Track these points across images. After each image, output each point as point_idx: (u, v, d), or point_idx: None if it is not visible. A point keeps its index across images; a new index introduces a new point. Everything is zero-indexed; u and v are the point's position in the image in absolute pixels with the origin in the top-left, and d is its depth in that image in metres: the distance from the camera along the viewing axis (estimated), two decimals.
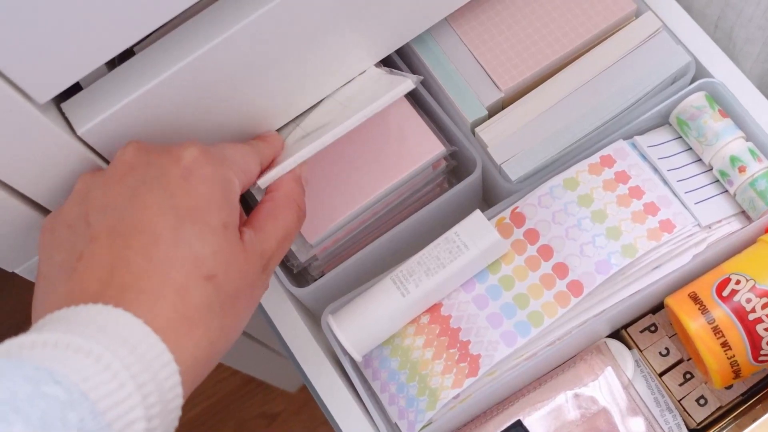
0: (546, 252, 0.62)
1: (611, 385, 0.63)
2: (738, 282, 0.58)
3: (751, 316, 0.56)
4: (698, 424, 0.62)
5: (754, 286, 0.57)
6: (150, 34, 0.52)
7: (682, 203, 0.63)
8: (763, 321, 0.56)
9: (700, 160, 0.65)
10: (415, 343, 0.62)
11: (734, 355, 0.57)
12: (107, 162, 0.54)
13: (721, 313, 0.57)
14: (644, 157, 0.65)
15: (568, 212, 0.62)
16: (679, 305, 0.59)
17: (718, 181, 0.64)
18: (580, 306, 0.60)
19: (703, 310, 0.58)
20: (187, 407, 1.45)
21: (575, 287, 0.60)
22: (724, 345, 0.57)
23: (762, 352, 0.57)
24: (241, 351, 1.16)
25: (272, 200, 0.52)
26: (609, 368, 0.63)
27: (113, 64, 0.54)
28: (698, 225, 0.62)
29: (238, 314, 0.46)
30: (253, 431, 1.52)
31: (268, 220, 0.50)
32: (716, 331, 0.57)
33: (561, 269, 0.61)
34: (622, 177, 0.63)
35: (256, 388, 1.54)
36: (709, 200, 0.64)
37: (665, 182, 0.64)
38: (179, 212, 0.44)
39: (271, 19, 0.52)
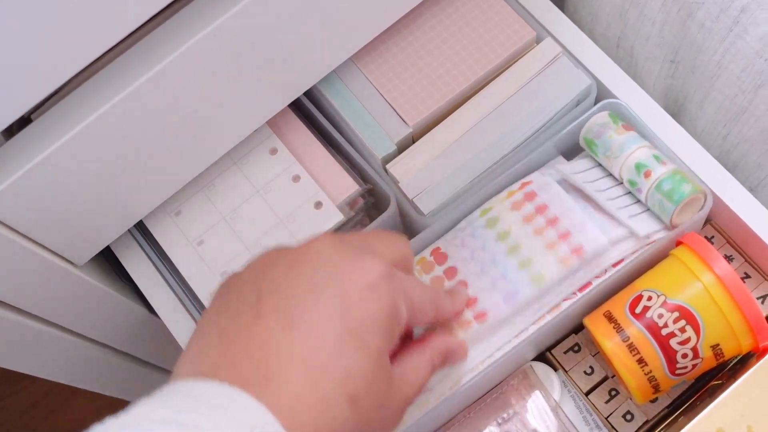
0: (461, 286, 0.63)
1: (540, 408, 0.63)
2: (650, 298, 0.59)
3: (664, 331, 0.57)
4: None
5: (665, 302, 0.58)
6: (45, 101, 0.52)
7: (616, 219, 0.63)
8: (676, 335, 0.57)
9: (621, 183, 0.66)
10: None
11: (651, 371, 0.58)
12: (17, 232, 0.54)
13: (635, 330, 0.58)
14: (565, 182, 0.66)
15: (486, 248, 0.62)
16: (595, 325, 0.60)
17: (639, 201, 0.65)
18: (499, 332, 0.61)
19: (618, 328, 0.59)
20: None
21: (480, 317, 0.60)
22: (640, 361, 0.58)
23: (678, 365, 0.58)
24: None
25: (423, 354, 0.52)
26: (536, 392, 0.64)
27: (11, 133, 0.54)
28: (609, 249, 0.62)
29: None
30: None
31: (415, 371, 0.50)
32: (631, 348, 0.58)
33: (471, 301, 0.61)
34: (542, 209, 0.63)
35: None
36: (641, 215, 0.65)
37: (590, 204, 0.64)
38: (347, 324, 0.43)
39: (170, 75, 0.53)
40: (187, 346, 0.45)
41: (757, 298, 0.65)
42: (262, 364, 0.41)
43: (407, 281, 0.49)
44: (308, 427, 0.40)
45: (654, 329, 0.58)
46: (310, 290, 0.44)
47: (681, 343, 0.57)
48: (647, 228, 0.63)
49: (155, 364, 0.91)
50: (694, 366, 0.58)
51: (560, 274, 0.60)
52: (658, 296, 0.59)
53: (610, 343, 0.59)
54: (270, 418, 0.38)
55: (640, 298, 0.59)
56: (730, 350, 0.58)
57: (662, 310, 0.58)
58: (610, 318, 0.60)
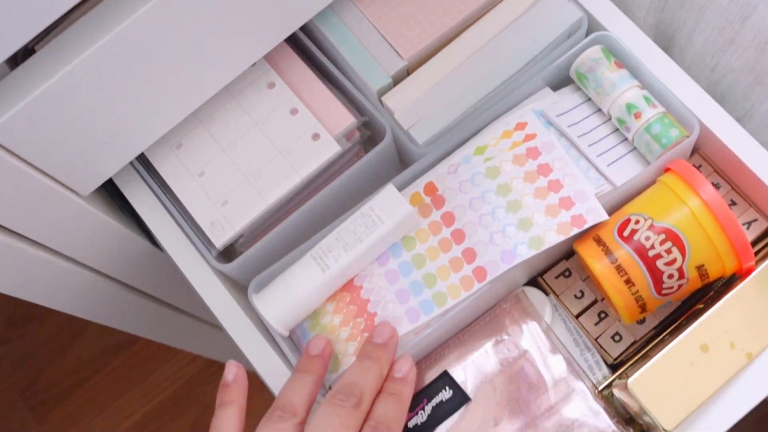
0: (459, 236, 0.64)
1: (531, 330, 0.66)
2: (637, 222, 0.61)
3: (651, 253, 0.59)
4: (615, 359, 0.66)
5: (652, 225, 0.60)
6: (48, 31, 0.54)
7: (595, 167, 0.65)
8: (662, 256, 0.59)
9: (609, 120, 0.68)
10: (326, 308, 0.65)
11: (638, 291, 0.60)
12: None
13: (623, 252, 0.60)
14: (551, 124, 0.67)
15: (485, 200, 0.64)
16: (585, 249, 0.62)
17: (626, 140, 0.67)
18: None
19: (607, 251, 0.61)
20: (151, 395, 1.47)
21: (480, 273, 0.62)
22: (628, 282, 0.60)
23: (664, 286, 0.60)
24: (198, 335, 1.18)
25: None
26: (528, 314, 0.66)
27: (15, 63, 0.56)
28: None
29: None
30: None
31: None
32: (619, 269, 0.60)
33: (470, 254, 0.63)
34: (545, 170, 0.64)
35: (218, 371, 1.56)
36: (621, 159, 0.66)
37: (578, 151, 0.66)
38: None
39: (170, 5, 0.55)
40: None
41: (743, 224, 0.66)
42: None
43: None
44: None
45: (641, 251, 0.60)
46: None
47: (667, 264, 0.59)
48: (624, 176, 0.65)
49: (160, 298, 0.93)
50: (679, 286, 0.60)
51: (558, 240, 0.61)
52: (646, 220, 0.60)
53: (599, 266, 0.61)
54: None
55: (628, 222, 0.61)
56: (714, 271, 0.60)
57: (649, 233, 0.60)
58: (599, 241, 0.62)
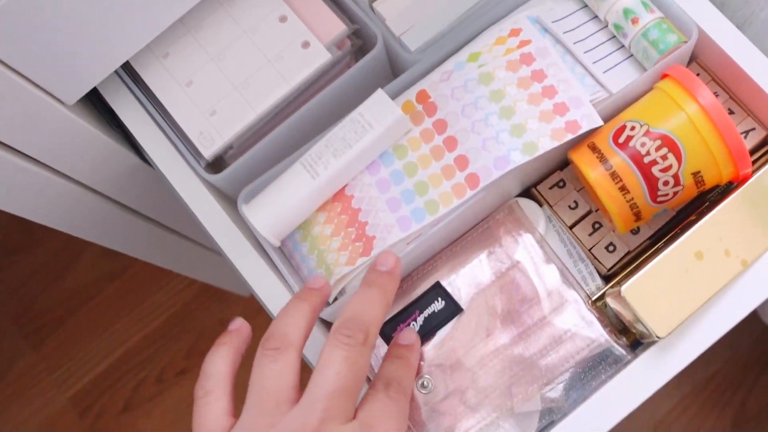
0: (451, 143, 0.63)
1: (525, 241, 0.65)
2: (633, 128, 0.60)
3: (646, 159, 0.58)
4: (608, 270, 0.65)
5: (648, 131, 0.59)
6: None
7: (591, 74, 0.64)
8: (657, 163, 0.58)
9: (605, 27, 0.66)
10: (317, 219, 0.64)
11: (633, 198, 0.59)
12: None
13: (619, 159, 0.59)
14: (547, 31, 0.65)
15: (478, 106, 0.63)
16: (580, 156, 0.61)
17: (623, 47, 0.66)
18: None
19: (602, 158, 0.60)
20: (145, 321, 1.48)
21: (472, 180, 0.61)
22: (623, 189, 0.59)
23: (659, 193, 0.59)
24: (191, 257, 1.18)
25: None
26: (522, 225, 0.65)
27: None
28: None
29: None
30: (213, 338, 1.54)
31: None
32: (614, 176, 0.59)
33: (462, 161, 0.62)
34: (539, 75, 0.62)
35: (213, 296, 1.57)
36: (617, 67, 0.65)
37: (574, 57, 0.64)
38: None
39: None
40: None
41: (741, 133, 0.65)
42: None
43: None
44: None
45: (636, 157, 0.59)
46: None
47: (662, 171, 0.58)
48: (620, 83, 0.64)
49: (151, 216, 0.93)
50: (675, 194, 0.60)
51: (552, 146, 0.60)
52: (641, 126, 0.59)
53: (594, 173, 0.60)
54: None
55: (623, 128, 0.60)
56: (710, 178, 0.59)
57: (645, 139, 0.59)
58: (594, 149, 0.61)
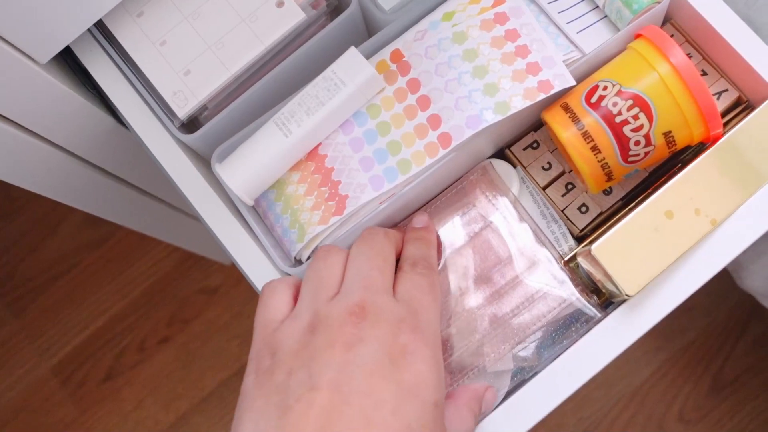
0: (424, 102, 0.63)
1: (498, 201, 0.65)
2: (605, 88, 0.60)
3: (618, 119, 0.59)
4: (581, 231, 0.65)
5: (620, 90, 0.59)
6: None
7: (564, 34, 0.64)
8: (629, 122, 0.58)
9: None
10: (290, 178, 0.64)
11: (604, 158, 0.59)
12: None
13: (591, 119, 0.59)
14: None
15: (451, 65, 0.62)
16: (552, 117, 0.61)
17: (597, 7, 0.66)
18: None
19: (574, 118, 0.60)
20: (127, 290, 1.47)
21: (444, 139, 0.61)
22: (594, 149, 0.59)
23: (631, 153, 0.59)
24: (169, 223, 1.18)
25: (460, 408, 0.57)
26: (495, 186, 0.65)
27: None
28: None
29: None
30: (194, 306, 1.55)
31: (459, 420, 0.56)
32: (586, 136, 0.59)
33: (435, 120, 0.62)
34: (512, 35, 0.62)
35: (194, 265, 1.57)
36: (591, 27, 0.65)
37: (548, 17, 0.64)
38: (401, 385, 0.48)
39: None
40: (239, 424, 0.48)
41: (714, 94, 0.66)
42: (331, 428, 0.45)
43: (431, 325, 0.53)
44: None
45: (608, 117, 0.59)
46: (358, 363, 0.48)
47: (634, 131, 0.59)
48: (593, 43, 0.64)
49: (128, 180, 0.92)
50: (646, 154, 0.60)
51: (524, 105, 0.60)
52: (614, 86, 0.59)
53: (567, 133, 0.60)
54: None
55: (596, 88, 0.60)
56: (682, 138, 0.60)
57: (617, 99, 0.59)
58: (566, 109, 0.61)
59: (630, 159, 0.60)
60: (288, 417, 0.46)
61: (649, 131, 0.58)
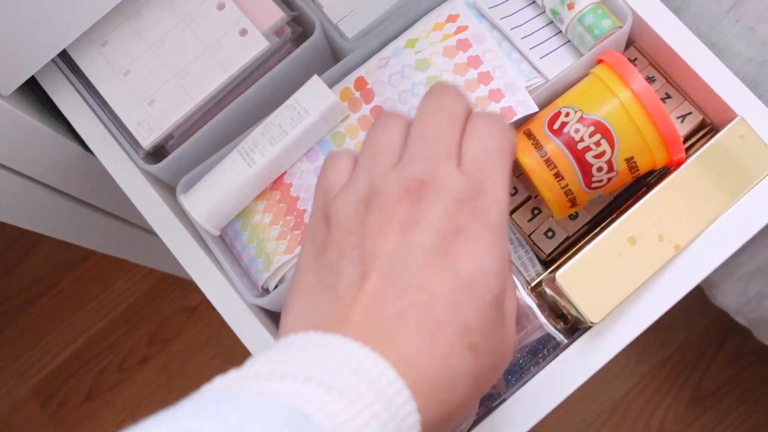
0: None
1: None
2: (567, 114, 0.60)
3: (580, 146, 0.59)
4: (548, 256, 0.65)
5: (582, 117, 0.59)
6: None
7: (528, 60, 0.64)
8: (591, 149, 0.58)
9: (543, 13, 0.66)
10: (256, 207, 0.64)
11: (567, 185, 0.59)
12: None
13: (553, 146, 0.59)
14: (484, 16, 0.65)
15: (414, 92, 0.62)
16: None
17: (560, 32, 0.66)
18: None
19: (537, 145, 0.60)
20: (107, 309, 1.46)
21: None
22: (557, 175, 0.59)
23: (594, 179, 0.59)
24: (148, 248, 1.17)
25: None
26: None
27: None
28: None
29: (482, 389, 0.45)
30: (174, 325, 1.55)
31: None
32: (549, 163, 0.59)
33: None
34: (474, 62, 0.62)
35: (174, 283, 1.56)
36: (554, 52, 0.65)
37: (511, 43, 0.65)
38: (457, 277, 0.42)
39: None
40: (290, 302, 0.45)
41: (677, 118, 0.66)
42: (377, 319, 0.41)
43: (501, 211, 0.46)
44: (429, 383, 0.40)
45: (570, 144, 0.59)
46: (412, 251, 0.43)
47: (596, 157, 0.59)
48: (556, 69, 0.64)
49: (98, 206, 0.92)
50: (609, 179, 0.60)
51: None
52: (576, 112, 0.60)
53: (529, 160, 0.60)
54: (393, 374, 0.38)
55: (558, 114, 0.60)
56: (644, 164, 0.60)
57: (579, 125, 0.59)
58: (529, 135, 0.61)
59: (593, 185, 0.60)
60: (337, 307, 0.42)
61: (611, 157, 0.59)
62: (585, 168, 0.59)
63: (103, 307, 1.57)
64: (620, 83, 0.59)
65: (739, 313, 0.93)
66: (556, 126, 0.60)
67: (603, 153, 0.58)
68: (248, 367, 0.38)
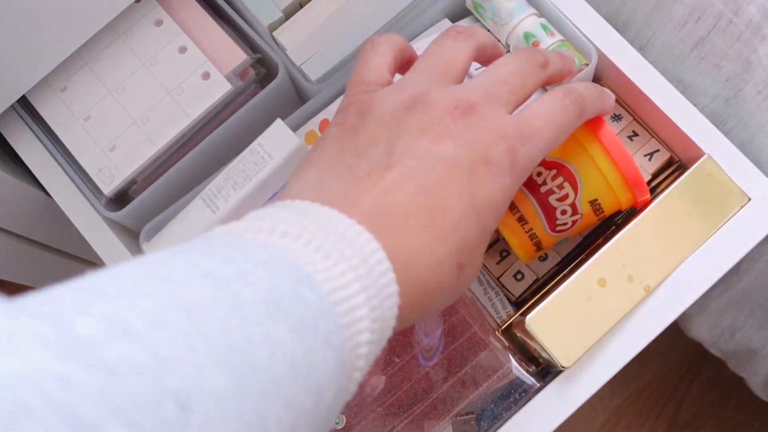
0: None
1: None
2: None
3: (543, 189, 0.58)
4: (518, 298, 0.65)
5: (543, 160, 0.58)
6: None
7: None
8: (554, 192, 0.58)
9: (508, 51, 0.66)
10: None
11: (531, 228, 0.59)
12: None
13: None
14: None
15: None
16: None
17: None
18: None
19: None
20: None
21: None
22: (521, 220, 0.58)
23: (558, 222, 0.59)
24: None
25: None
26: None
27: None
28: None
29: (445, 305, 0.47)
30: None
31: None
32: (512, 207, 0.58)
33: None
34: None
35: None
36: None
37: None
38: (472, 200, 0.44)
39: None
40: (303, 170, 0.46)
41: (645, 155, 0.65)
42: (389, 212, 0.42)
43: (530, 124, 0.48)
44: (418, 283, 0.42)
45: (533, 187, 0.58)
46: (446, 162, 0.44)
47: (559, 200, 0.58)
48: (523, 106, 0.63)
49: (56, 247, 0.90)
50: (574, 222, 0.59)
51: None
52: None
53: None
54: (386, 262, 0.40)
55: None
56: (609, 205, 0.59)
57: (541, 168, 0.58)
58: None
59: (558, 228, 0.59)
60: (352, 187, 0.43)
61: (574, 200, 0.58)
62: (548, 211, 0.58)
63: None
64: (581, 125, 0.58)
65: (713, 345, 0.93)
66: None
67: (566, 196, 0.58)
68: (251, 221, 0.39)
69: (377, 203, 0.42)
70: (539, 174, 0.57)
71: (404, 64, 0.53)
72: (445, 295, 0.44)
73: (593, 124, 0.56)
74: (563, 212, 0.58)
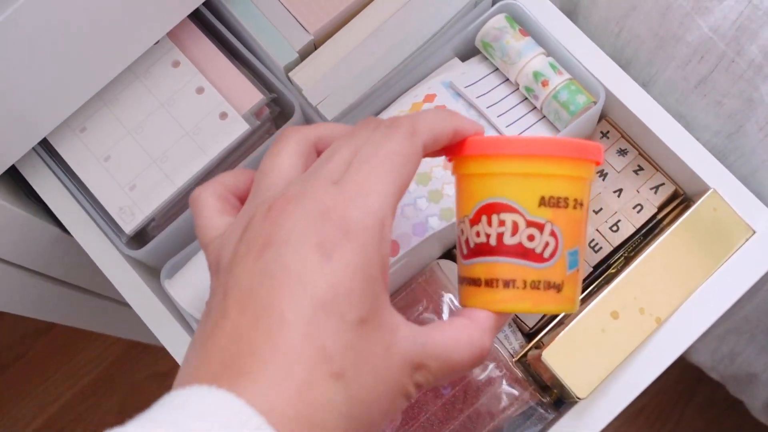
0: None
1: (447, 302, 0.66)
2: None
3: (492, 240, 0.46)
4: (531, 328, 0.66)
5: (468, 219, 0.48)
6: None
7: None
8: (503, 233, 0.47)
9: (517, 90, 0.68)
10: None
11: (525, 282, 0.55)
12: None
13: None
14: (460, 96, 0.67)
15: None
16: None
17: (535, 108, 0.67)
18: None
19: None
20: (75, 378, 1.43)
21: (393, 247, 0.62)
22: (507, 285, 0.52)
23: (537, 252, 0.54)
24: (115, 317, 1.16)
25: (466, 331, 0.44)
26: (444, 286, 0.66)
27: None
28: None
29: (364, 424, 0.40)
30: (145, 393, 1.53)
31: (444, 339, 0.43)
32: (490, 283, 0.50)
33: None
34: None
35: (143, 351, 1.55)
36: (530, 129, 0.67)
37: (488, 121, 0.66)
38: (315, 299, 0.39)
39: None
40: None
41: (651, 188, 0.67)
42: (234, 359, 0.38)
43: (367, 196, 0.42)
44: (290, 413, 0.37)
45: (489, 250, 0.52)
46: (269, 275, 0.40)
47: (514, 233, 0.43)
48: None
49: (71, 282, 0.91)
50: (552, 234, 0.41)
51: None
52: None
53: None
54: (248, 410, 0.36)
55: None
56: (562, 188, 0.46)
57: (474, 229, 0.53)
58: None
59: (546, 255, 0.49)
60: (206, 347, 0.39)
61: (526, 218, 0.47)
62: (520, 251, 0.47)
63: (71, 377, 1.55)
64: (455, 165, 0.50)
65: (713, 369, 0.95)
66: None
67: (515, 224, 0.46)
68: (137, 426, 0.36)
69: (223, 356, 0.39)
70: (477, 235, 0.47)
71: (242, 195, 0.50)
72: (339, 418, 0.38)
73: (460, 150, 0.47)
74: (530, 238, 0.46)
